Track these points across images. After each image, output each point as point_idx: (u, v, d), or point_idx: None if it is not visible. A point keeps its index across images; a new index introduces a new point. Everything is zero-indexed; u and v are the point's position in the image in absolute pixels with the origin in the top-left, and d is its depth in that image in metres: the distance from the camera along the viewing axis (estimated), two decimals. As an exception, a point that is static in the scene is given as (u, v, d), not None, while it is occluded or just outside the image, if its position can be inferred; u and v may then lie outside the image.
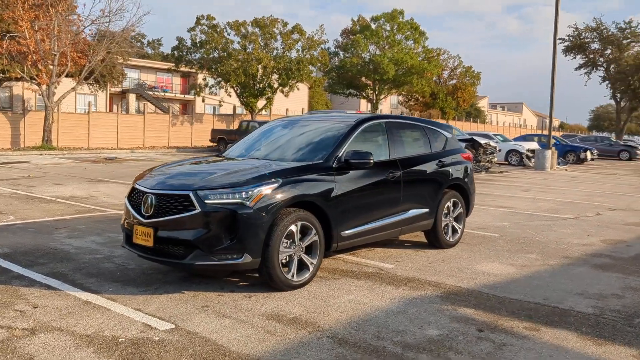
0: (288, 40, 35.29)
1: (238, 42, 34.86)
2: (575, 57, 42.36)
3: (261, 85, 35.59)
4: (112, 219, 8.89)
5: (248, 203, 4.87)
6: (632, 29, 39.72)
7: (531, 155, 26.01)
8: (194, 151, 31.56)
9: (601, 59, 41.33)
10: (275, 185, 5.06)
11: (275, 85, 35.95)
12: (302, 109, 44.04)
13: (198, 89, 35.50)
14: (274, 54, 35.66)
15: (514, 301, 5.09)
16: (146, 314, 4.49)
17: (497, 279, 5.83)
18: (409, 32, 42.73)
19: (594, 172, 24.29)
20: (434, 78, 48.68)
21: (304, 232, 5.26)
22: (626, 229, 9.24)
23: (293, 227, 5.14)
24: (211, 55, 34.61)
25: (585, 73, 42.19)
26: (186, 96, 51.64)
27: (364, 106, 52.57)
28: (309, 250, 5.34)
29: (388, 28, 41.89)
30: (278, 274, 5.05)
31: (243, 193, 4.90)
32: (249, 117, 36.87)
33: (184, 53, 35.39)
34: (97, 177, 15.34)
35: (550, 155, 23.90)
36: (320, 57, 36.24)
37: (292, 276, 5.19)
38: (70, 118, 29.79)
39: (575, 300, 5.17)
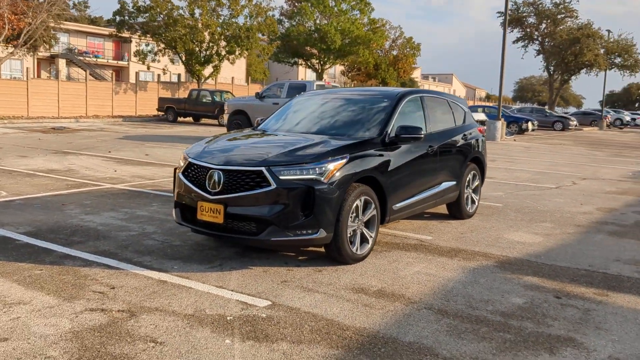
0: (236, 7, 34.38)
1: (184, 8, 33.62)
2: (512, 31, 44.14)
3: (208, 53, 34.64)
4: (114, 193, 8.58)
5: (322, 179, 4.87)
6: (566, 4, 41.74)
7: (482, 126, 26.89)
8: (141, 120, 30.48)
9: (536, 33, 43.19)
10: (344, 161, 5.08)
11: (223, 53, 35.08)
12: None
13: (142, 56, 34.06)
14: (221, 20, 34.70)
15: (565, 268, 5.40)
16: (232, 290, 4.45)
17: (535, 248, 6.14)
18: (354, 2, 42.66)
19: (540, 142, 25.54)
20: (377, 49, 49.03)
21: (365, 206, 5.33)
22: (610, 197, 9.88)
23: (357, 202, 5.19)
24: (155, 21, 33.22)
25: (522, 46, 44.07)
26: (119, 62, 49.48)
27: (309, 75, 52.28)
28: (367, 224, 5.41)
29: (334, -4, 41.58)
30: (346, 248, 5.12)
31: (317, 169, 4.89)
32: (195, 86, 35.89)
33: (126, 18, 33.77)
34: (60, 149, 14.60)
35: (501, 126, 24.88)
36: (269, 24, 35.61)
37: (357, 250, 5.27)
38: (6, 85, 27.94)
39: (617, 266, 5.54)
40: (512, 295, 4.57)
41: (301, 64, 46.08)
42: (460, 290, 4.65)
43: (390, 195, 5.66)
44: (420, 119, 6.55)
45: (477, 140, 7.72)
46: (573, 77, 46.36)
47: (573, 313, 4.23)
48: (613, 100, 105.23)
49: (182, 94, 35.71)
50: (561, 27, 41.68)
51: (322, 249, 5.38)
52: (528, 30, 43.19)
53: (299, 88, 18.14)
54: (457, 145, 7.13)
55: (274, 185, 4.79)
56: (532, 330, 3.88)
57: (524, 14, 42.87)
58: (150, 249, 5.59)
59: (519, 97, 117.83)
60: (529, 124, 31.78)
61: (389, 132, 5.81)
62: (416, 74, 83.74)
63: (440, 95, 7.60)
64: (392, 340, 3.66)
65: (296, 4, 43.52)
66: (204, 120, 31.23)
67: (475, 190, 7.69)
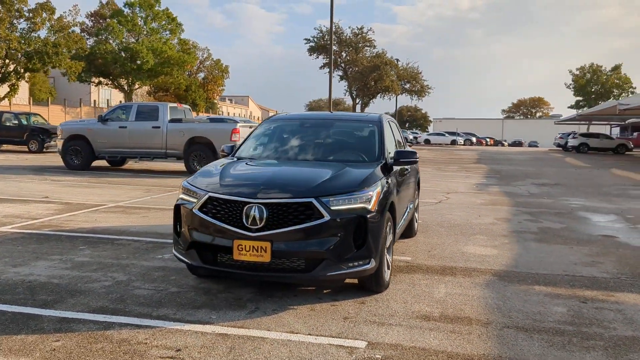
0: (36, 19, 30.95)
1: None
2: (318, 57, 47.06)
3: (4, 70, 30.54)
4: (9, 238, 7.17)
5: (369, 207, 4.74)
6: (364, 34, 45.90)
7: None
8: None
9: (340, 60, 46.63)
10: (379, 188, 5.01)
11: (22, 71, 31.23)
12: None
13: None
14: (18, 34, 30.90)
15: (551, 275, 5.97)
16: (312, 335, 4.09)
17: (501, 259, 6.66)
18: (164, 22, 41.39)
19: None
20: (187, 71, 48.08)
21: (388, 232, 5.31)
22: (491, 209, 11.12)
23: (387, 228, 5.16)
24: None
25: (329, 72, 46.81)
26: None
27: (115, 96, 48.95)
28: (388, 250, 5.39)
29: (143, 15, 39.83)
30: (384, 276, 5.05)
31: (364, 197, 4.75)
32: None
33: None
34: None
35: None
36: (76, 40, 32.68)
37: (387, 276, 5.21)
38: None
39: (583, 269, 6.29)
40: (549, 305, 4.94)
41: (107, 84, 43.07)
42: (506, 306, 4.88)
43: (397, 219, 5.72)
44: (394, 141, 6.73)
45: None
46: (372, 101, 51.16)
47: (612, 316, 4.71)
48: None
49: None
50: (360, 55, 45.68)
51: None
52: (332, 57, 46.36)
53: (150, 111, 17.04)
54: (414, 166, 7.46)
55: (327, 217, 4.52)
56: (611, 335, 4.25)
57: (328, 43, 45.87)
58: (154, 299, 4.84)
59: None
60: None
61: (387, 156, 5.87)
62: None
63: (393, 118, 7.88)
64: (519, 362, 3.72)
65: (100, 21, 40.73)
66: (6, 147, 27.34)
67: (417, 209, 8.09)
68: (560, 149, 51.77)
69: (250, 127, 18.09)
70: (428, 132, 78.69)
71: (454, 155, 37.15)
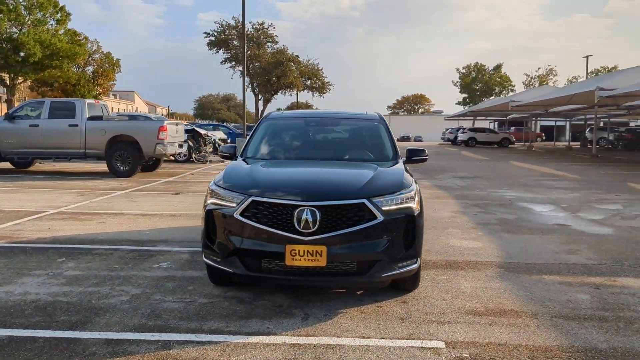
0: None
1: None
2: (218, 52, 45.87)
3: None
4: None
5: (414, 206, 4.74)
6: (265, 30, 45.53)
7: (222, 144, 27.45)
8: None
9: (240, 55, 45.62)
10: (415, 186, 5.01)
11: None
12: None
13: None
14: None
15: (547, 264, 6.30)
16: (386, 339, 4.03)
17: (492, 251, 6.93)
18: (51, 10, 38.39)
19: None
20: (78, 64, 45.02)
21: None
22: (439, 202, 11.52)
23: (422, 226, 5.18)
24: None
25: (231, 67, 46.19)
26: None
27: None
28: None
29: (26, 4, 36.64)
30: (419, 275, 5.07)
31: (408, 196, 4.73)
32: None
33: None
34: None
35: (248, 143, 25.86)
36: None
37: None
38: None
39: (568, 257, 6.70)
40: (571, 293, 5.22)
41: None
42: (535, 296, 5.09)
43: None
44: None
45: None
46: (275, 97, 51.03)
47: (632, 299, 5.08)
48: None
49: None
50: (262, 51, 45.25)
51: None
52: (233, 51, 45.70)
53: (65, 108, 15.76)
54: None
55: (380, 218, 4.46)
56: (647, 317, 4.59)
57: (230, 37, 45.15)
58: (191, 312, 4.52)
59: (199, 115, 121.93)
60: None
61: (399, 154, 5.90)
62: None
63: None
64: (588, 349, 3.90)
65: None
66: None
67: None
68: (450, 143, 54.78)
69: (177, 124, 17.35)
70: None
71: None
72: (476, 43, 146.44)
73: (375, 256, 4.46)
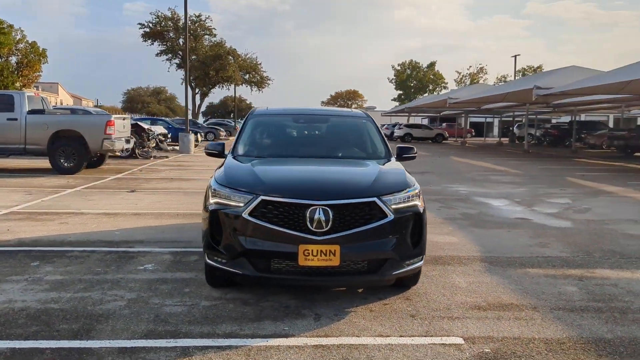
0: None
1: None
2: (153, 44, 44.37)
3: None
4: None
5: (419, 203, 4.78)
6: (202, 22, 44.55)
7: (163, 139, 26.71)
8: None
9: (177, 47, 44.52)
10: (418, 184, 5.04)
11: None
12: None
13: None
14: None
15: (527, 258, 6.52)
16: (404, 337, 4.06)
17: (470, 246, 7.11)
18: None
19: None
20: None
21: None
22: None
23: (417, 225, 5.24)
24: None
25: (167, 59, 44.80)
26: None
27: None
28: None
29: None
30: (420, 270, 5.12)
31: (414, 194, 4.76)
32: None
33: None
34: None
35: (192, 139, 25.31)
36: None
37: (418, 271, 5.30)
38: None
39: (543, 250, 6.97)
40: (559, 286, 5.42)
41: None
42: (528, 290, 5.26)
43: None
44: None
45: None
46: (212, 91, 50.02)
47: (616, 290, 5.34)
48: (213, 111, 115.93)
49: None
50: (199, 44, 44.24)
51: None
52: (169, 44, 44.38)
53: (3, 100, 14.81)
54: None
55: (390, 216, 4.47)
56: (637, 307, 4.84)
57: (166, 28, 43.79)
58: (198, 316, 4.38)
59: (128, 108, 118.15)
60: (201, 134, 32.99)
61: (392, 152, 5.93)
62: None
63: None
64: (597, 340, 4.08)
65: None
66: None
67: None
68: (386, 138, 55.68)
69: (124, 119, 16.70)
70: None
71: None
72: (403, 41, 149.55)
73: (386, 254, 4.47)
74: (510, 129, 55.18)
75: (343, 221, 4.36)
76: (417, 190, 4.82)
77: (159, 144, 24.72)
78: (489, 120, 62.59)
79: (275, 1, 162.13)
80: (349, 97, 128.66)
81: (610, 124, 45.98)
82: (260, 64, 49.33)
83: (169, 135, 27.68)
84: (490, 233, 8.01)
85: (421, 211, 4.73)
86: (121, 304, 4.62)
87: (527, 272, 5.92)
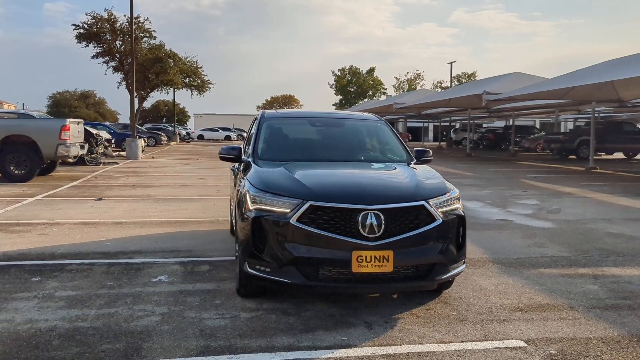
0: None
1: None
2: (88, 45, 42.34)
3: None
4: None
5: (460, 207, 4.75)
6: (140, 24, 43.00)
7: (107, 144, 25.65)
8: None
9: (114, 49, 42.80)
10: (456, 188, 5.01)
11: None
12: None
13: None
14: None
15: (534, 258, 6.64)
16: (468, 341, 4.00)
17: (475, 247, 7.16)
18: None
19: (170, 158, 26.27)
20: None
21: None
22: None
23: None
24: None
25: (104, 62, 42.90)
26: None
27: None
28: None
29: None
30: (455, 275, 5.09)
31: (455, 197, 4.73)
32: None
33: None
34: None
35: (140, 144, 24.44)
36: None
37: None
38: None
39: (544, 251, 7.13)
40: (580, 285, 5.53)
41: None
42: (554, 289, 5.34)
43: None
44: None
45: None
46: (151, 95, 48.45)
47: (632, 287, 5.50)
48: (145, 116, 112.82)
49: None
50: (140, 46, 42.72)
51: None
52: (106, 46, 42.61)
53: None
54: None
55: (439, 220, 4.41)
56: (664, 303, 5.01)
57: (102, 30, 42.00)
58: (244, 329, 4.17)
59: (54, 112, 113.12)
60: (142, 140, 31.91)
61: (412, 154, 5.88)
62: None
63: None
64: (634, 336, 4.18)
65: None
66: None
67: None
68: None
69: (78, 123, 15.86)
70: (185, 127, 79.70)
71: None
72: (338, 47, 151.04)
73: (435, 259, 4.40)
74: (444, 133, 56.80)
75: (394, 226, 4.26)
76: (457, 194, 4.79)
77: (105, 149, 23.69)
78: (425, 125, 64.23)
79: (205, 5, 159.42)
80: (285, 101, 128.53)
81: (538, 127, 48.18)
82: (201, 67, 48.42)
83: (113, 140, 26.64)
84: (483, 235, 8.12)
85: (463, 214, 4.70)
86: (156, 319, 4.31)
87: (542, 272, 6.01)
